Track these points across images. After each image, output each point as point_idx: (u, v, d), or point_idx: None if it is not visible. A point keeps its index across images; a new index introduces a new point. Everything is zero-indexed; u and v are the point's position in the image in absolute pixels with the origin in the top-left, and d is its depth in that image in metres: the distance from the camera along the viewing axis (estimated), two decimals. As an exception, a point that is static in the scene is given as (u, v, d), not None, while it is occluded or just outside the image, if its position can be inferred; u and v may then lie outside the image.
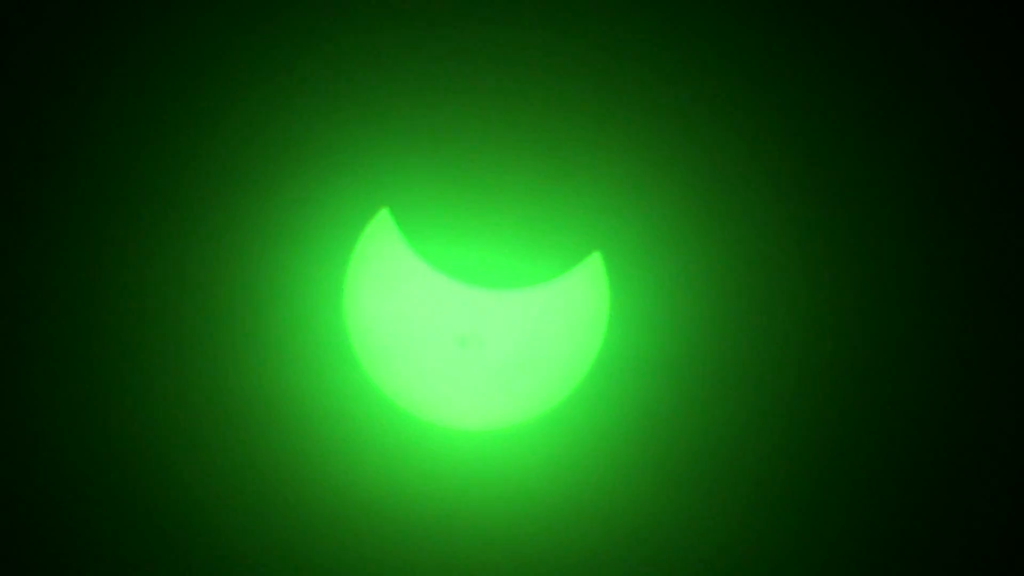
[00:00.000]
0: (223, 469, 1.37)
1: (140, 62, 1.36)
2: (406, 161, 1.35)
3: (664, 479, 1.37)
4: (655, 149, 1.36)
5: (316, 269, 1.35)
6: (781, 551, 1.39)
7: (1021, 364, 1.38)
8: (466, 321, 1.31)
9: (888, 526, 1.39)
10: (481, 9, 1.37)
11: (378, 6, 1.37)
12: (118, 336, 1.37)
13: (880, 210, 1.38)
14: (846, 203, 1.37)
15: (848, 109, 1.38)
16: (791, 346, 1.37)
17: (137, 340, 1.36)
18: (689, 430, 1.37)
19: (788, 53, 1.37)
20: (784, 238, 1.37)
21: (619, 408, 1.36)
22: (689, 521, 1.38)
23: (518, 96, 1.36)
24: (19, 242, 1.36)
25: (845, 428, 1.38)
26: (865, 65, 1.38)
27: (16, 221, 1.36)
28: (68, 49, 1.37)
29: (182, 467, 1.37)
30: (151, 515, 1.37)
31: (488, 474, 1.37)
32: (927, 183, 1.38)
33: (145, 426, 1.37)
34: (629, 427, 1.37)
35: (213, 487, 1.37)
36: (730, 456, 1.38)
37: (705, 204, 1.36)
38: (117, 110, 1.36)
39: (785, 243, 1.37)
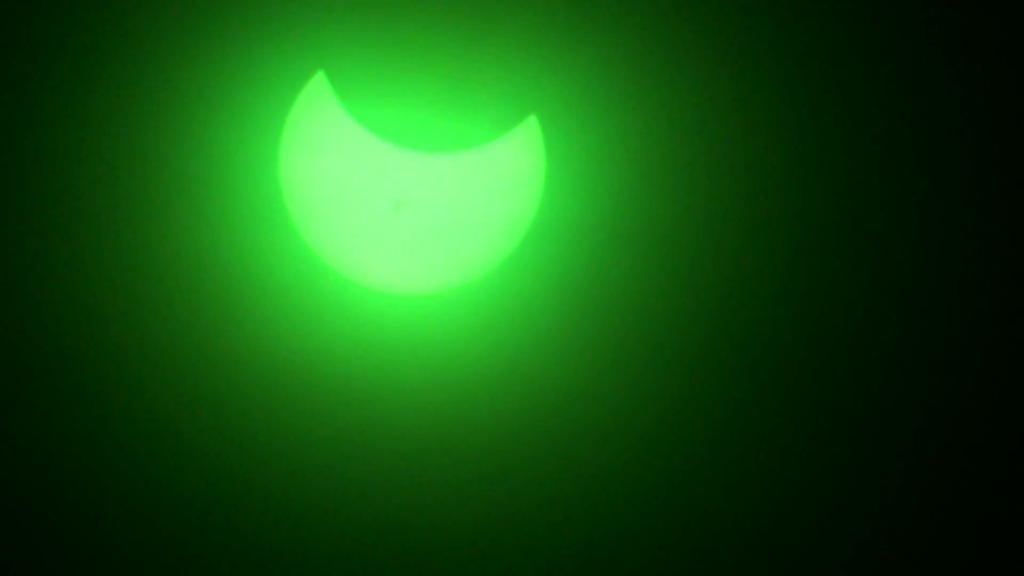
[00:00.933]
0: (157, 334, 1.37)
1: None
2: (341, 23, 1.33)
3: (595, 346, 1.39)
4: (593, 9, 1.35)
5: (251, 132, 1.34)
6: (704, 425, 1.41)
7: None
8: (401, 184, 1.31)
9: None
10: None
11: None
12: (58, 209, 1.36)
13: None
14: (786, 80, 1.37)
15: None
16: (724, 213, 1.38)
17: (73, 209, 1.36)
18: (622, 296, 1.38)
19: None
20: (720, 108, 1.37)
21: (552, 273, 1.37)
22: (616, 389, 1.40)
23: None
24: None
25: (774, 306, 1.39)
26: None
27: None
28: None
29: (117, 323, 1.37)
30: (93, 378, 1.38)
31: (421, 339, 1.37)
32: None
33: (83, 289, 1.37)
34: (562, 293, 1.37)
35: (146, 351, 1.38)
36: (659, 324, 1.39)
37: (643, 67, 1.36)
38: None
39: (721, 112, 1.37)
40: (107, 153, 1.35)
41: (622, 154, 1.36)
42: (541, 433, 1.40)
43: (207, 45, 1.34)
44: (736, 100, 1.37)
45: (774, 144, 1.37)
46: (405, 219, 1.31)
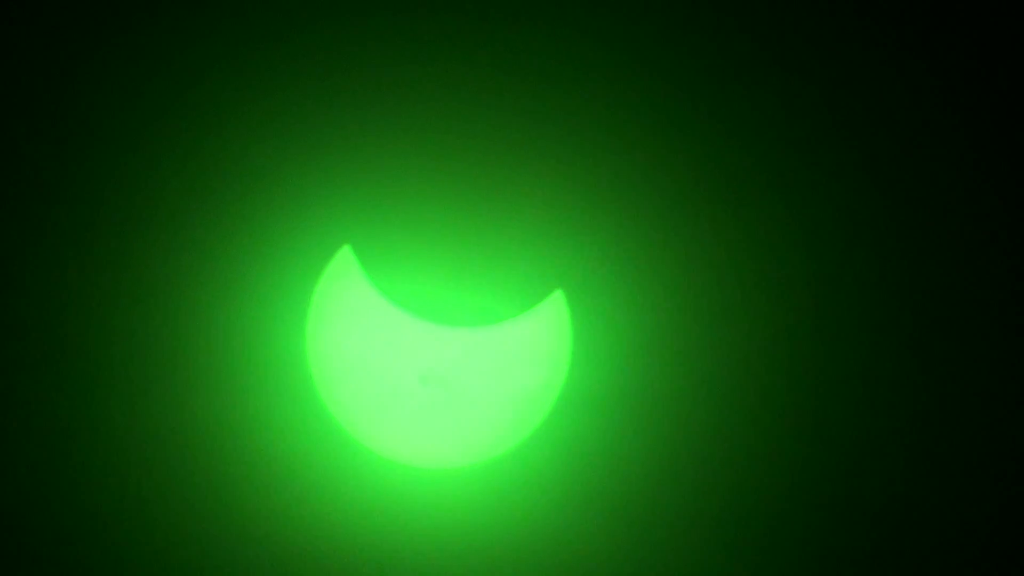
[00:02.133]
0: (182, 506, 1.36)
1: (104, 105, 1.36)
2: (369, 198, 1.35)
3: (627, 517, 1.37)
4: (615, 188, 1.37)
5: (278, 306, 1.34)
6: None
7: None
8: (428, 359, 1.31)
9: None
10: (440, 56, 1.37)
11: (340, 51, 1.37)
12: (85, 369, 1.36)
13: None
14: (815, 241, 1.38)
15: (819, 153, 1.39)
16: (754, 384, 1.38)
17: (104, 374, 1.36)
18: (651, 467, 1.37)
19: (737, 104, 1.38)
20: (745, 277, 1.38)
21: (581, 446, 1.36)
22: (646, 564, 1.38)
23: (479, 136, 1.36)
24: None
25: (812, 469, 1.39)
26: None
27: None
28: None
29: (143, 499, 1.36)
30: (112, 551, 1.36)
31: (447, 512, 1.36)
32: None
33: (105, 460, 1.36)
34: (591, 464, 1.36)
35: (172, 524, 1.36)
36: (693, 493, 1.38)
37: (665, 242, 1.37)
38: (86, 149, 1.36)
39: (746, 281, 1.38)
40: (134, 325, 1.35)
41: (647, 328, 1.36)
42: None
43: (235, 217, 1.35)
44: (767, 267, 1.38)
45: (801, 309, 1.38)
46: (431, 393, 1.31)
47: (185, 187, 1.35)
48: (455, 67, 1.37)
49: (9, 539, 1.35)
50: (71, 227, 1.36)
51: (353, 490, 1.35)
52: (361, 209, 1.34)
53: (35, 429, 1.36)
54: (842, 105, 1.38)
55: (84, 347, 1.36)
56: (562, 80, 1.37)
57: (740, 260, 1.38)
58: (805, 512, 1.38)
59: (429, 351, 1.31)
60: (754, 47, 1.38)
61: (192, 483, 1.36)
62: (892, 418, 1.38)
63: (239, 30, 1.37)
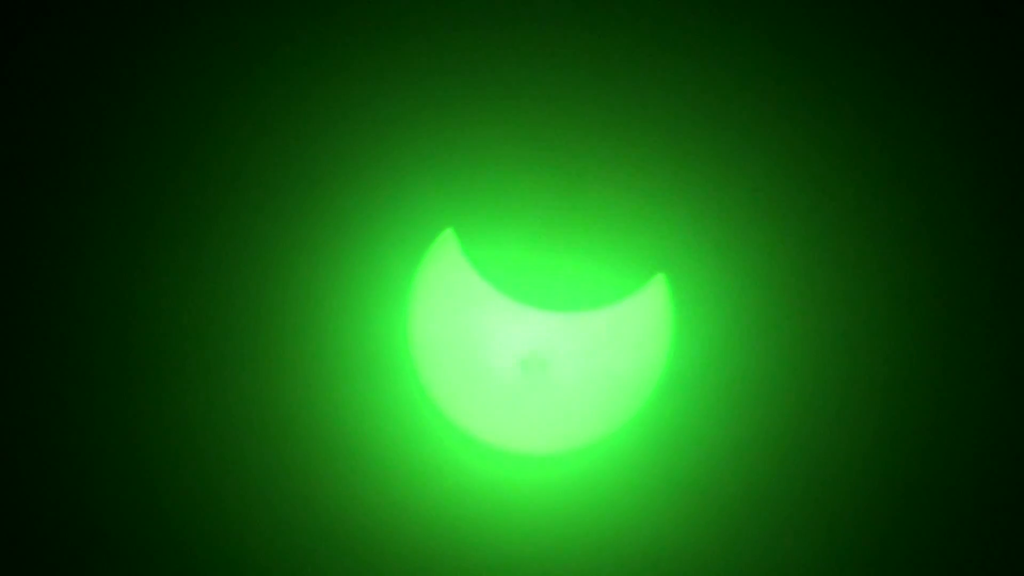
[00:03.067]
0: (284, 490, 1.37)
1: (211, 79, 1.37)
2: (471, 183, 1.34)
3: (728, 502, 1.36)
4: (717, 174, 1.36)
5: (381, 290, 1.34)
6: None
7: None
8: (528, 343, 1.31)
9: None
10: (540, 50, 1.37)
11: (444, 45, 1.37)
12: (181, 354, 1.37)
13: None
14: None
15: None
16: (854, 370, 1.36)
17: (209, 359, 1.37)
18: (753, 451, 1.36)
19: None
20: (845, 263, 1.36)
21: (682, 430, 1.35)
22: (748, 545, 1.37)
23: (581, 122, 1.36)
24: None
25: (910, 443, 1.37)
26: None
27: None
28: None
29: (239, 485, 1.38)
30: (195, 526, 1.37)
31: (550, 498, 1.35)
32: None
33: (208, 441, 1.37)
34: (690, 451, 1.36)
35: (271, 510, 1.37)
36: (794, 479, 1.36)
37: (763, 227, 1.36)
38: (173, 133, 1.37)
39: (848, 268, 1.36)
40: (238, 312, 1.36)
41: (748, 313, 1.35)
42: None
43: (341, 202, 1.35)
44: (860, 246, 1.36)
45: (901, 296, 1.36)
46: (532, 377, 1.30)
47: (290, 181, 1.36)
48: (554, 59, 1.37)
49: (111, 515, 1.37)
50: (183, 225, 1.37)
51: (456, 475, 1.35)
52: (464, 193, 1.34)
53: (143, 418, 1.37)
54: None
55: (197, 336, 1.37)
56: (668, 69, 1.37)
57: (840, 248, 1.36)
58: (914, 505, 1.36)
59: (530, 335, 1.31)
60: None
61: (298, 469, 1.36)
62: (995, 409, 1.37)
63: (357, 32, 1.38)
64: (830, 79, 1.38)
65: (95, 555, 1.34)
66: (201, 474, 1.35)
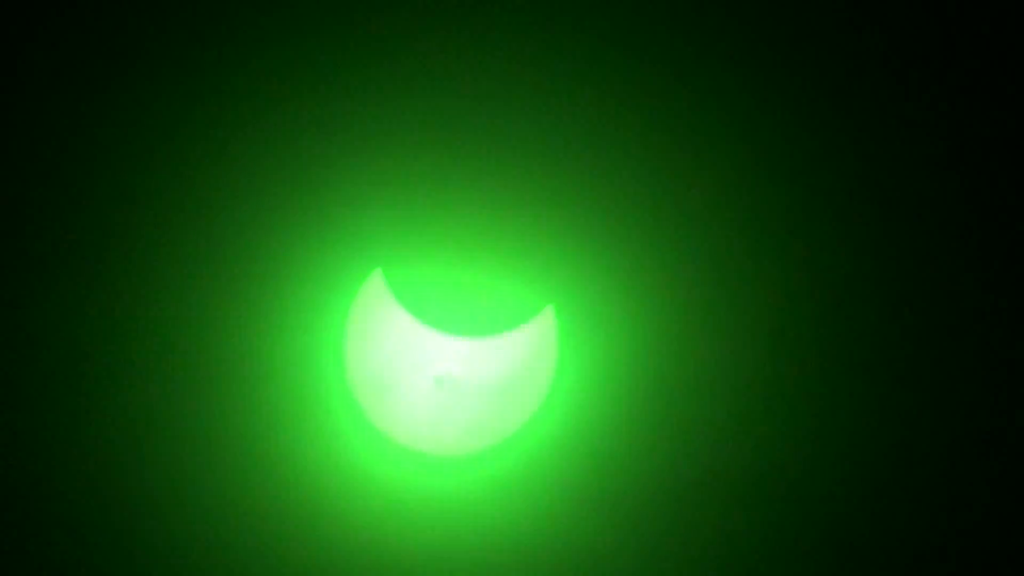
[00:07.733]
0: (232, 501, 1.50)
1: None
2: (397, 232, 1.47)
3: (605, 501, 1.51)
4: (606, 211, 1.47)
5: (319, 325, 1.48)
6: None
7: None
8: (442, 364, 1.52)
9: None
10: (458, 81, 1.45)
11: (363, 77, 1.44)
12: (129, 386, 1.47)
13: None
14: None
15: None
16: (727, 393, 1.50)
17: (140, 394, 1.47)
18: (629, 456, 1.51)
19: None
20: (727, 295, 1.48)
21: (569, 436, 1.52)
22: (628, 541, 1.52)
23: (489, 173, 1.46)
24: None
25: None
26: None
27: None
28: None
29: (190, 502, 1.49)
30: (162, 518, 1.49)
31: (458, 493, 1.52)
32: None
33: (165, 463, 1.49)
34: (575, 452, 1.52)
35: (223, 521, 1.49)
36: (666, 484, 1.51)
37: (647, 264, 1.48)
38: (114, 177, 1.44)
39: (726, 298, 1.48)
40: (184, 346, 1.47)
41: (626, 338, 1.49)
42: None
43: (283, 254, 1.47)
44: (737, 294, 1.48)
45: (791, 312, 1.46)
46: (445, 393, 1.51)
47: (231, 222, 1.44)
48: (471, 102, 1.45)
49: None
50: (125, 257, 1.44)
51: (380, 474, 1.51)
52: (392, 239, 1.46)
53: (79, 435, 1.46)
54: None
55: (140, 369, 1.45)
56: (557, 112, 1.45)
57: (720, 270, 1.48)
58: (778, 499, 1.50)
59: (444, 357, 1.51)
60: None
61: (239, 481, 1.48)
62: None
63: (262, 59, 1.43)
64: (708, 110, 1.45)
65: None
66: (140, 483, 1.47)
